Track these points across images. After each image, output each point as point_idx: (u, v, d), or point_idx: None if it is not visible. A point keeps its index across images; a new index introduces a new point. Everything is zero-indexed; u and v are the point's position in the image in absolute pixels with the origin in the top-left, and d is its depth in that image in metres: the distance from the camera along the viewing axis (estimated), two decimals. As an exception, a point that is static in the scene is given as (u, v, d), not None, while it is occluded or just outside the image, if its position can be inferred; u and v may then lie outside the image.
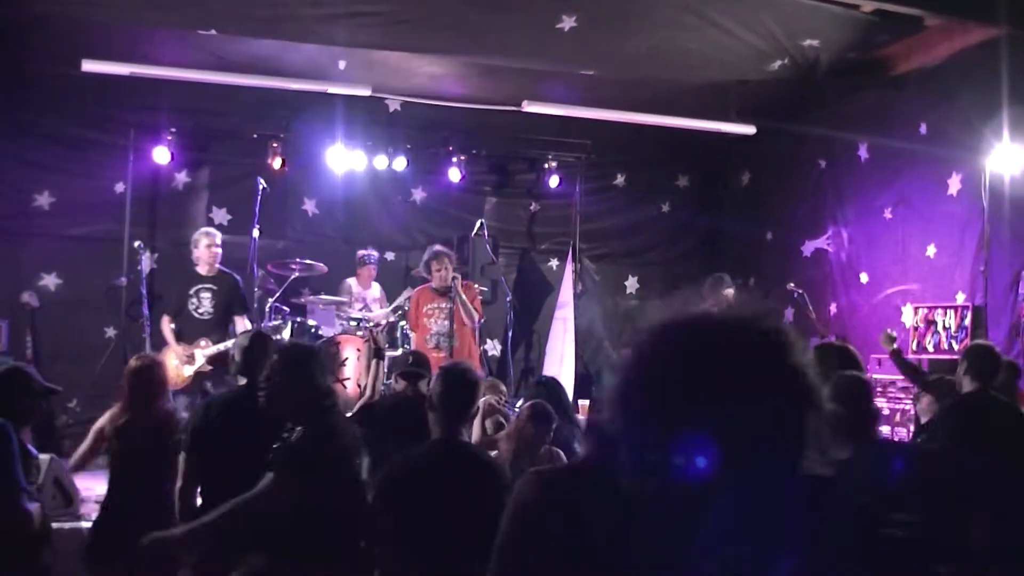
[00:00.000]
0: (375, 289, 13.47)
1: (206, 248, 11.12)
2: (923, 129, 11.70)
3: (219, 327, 11.02)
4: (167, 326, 11.04)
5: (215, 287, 11.08)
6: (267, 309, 12.18)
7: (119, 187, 13.22)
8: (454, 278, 11.39)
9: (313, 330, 12.51)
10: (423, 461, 5.01)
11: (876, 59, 12.03)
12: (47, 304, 12.79)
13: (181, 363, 10.78)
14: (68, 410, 12.31)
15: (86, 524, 8.26)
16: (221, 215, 13.76)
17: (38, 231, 12.96)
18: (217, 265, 11.17)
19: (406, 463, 5.04)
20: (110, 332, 12.65)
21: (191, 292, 10.99)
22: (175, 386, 10.36)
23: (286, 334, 12.23)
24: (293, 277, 12.46)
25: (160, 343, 11.08)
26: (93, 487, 9.39)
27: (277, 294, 12.33)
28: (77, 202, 13.07)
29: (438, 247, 11.72)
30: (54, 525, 6.88)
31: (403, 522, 4.82)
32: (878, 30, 11.20)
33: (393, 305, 12.39)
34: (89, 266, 12.97)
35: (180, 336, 10.93)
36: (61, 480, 8.83)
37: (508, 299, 14.16)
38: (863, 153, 12.84)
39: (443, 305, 11.47)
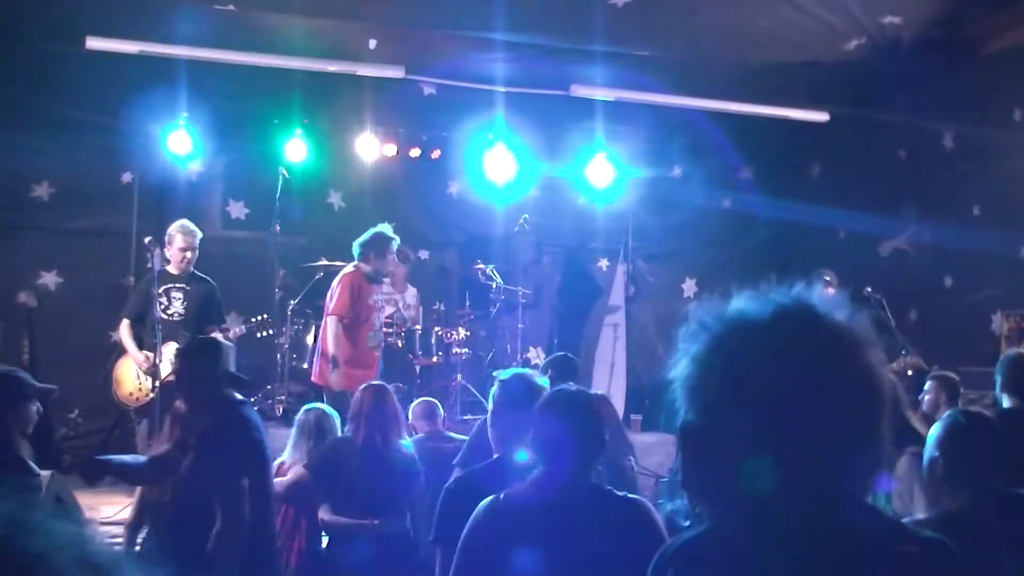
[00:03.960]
0: (410, 294, 13.26)
1: (180, 250, 10.49)
2: (1017, 115, 11.73)
3: (192, 329, 10.29)
4: (127, 332, 10.47)
5: (188, 287, 10.50)
6: (288, 312, 12.11)
7: (126, 177, 13.12)
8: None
9: (339, 336, 12.46)
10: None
11: (965, 37, 12.09)
12: (46, 304, 12.71)
13: (143, 373, 10.25)
14: (68, 421, 12.22)
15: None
16: (238, 208, 13.69)
17: (36, 224, 12.85)
18: (191, 269, 10.65)
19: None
20: (115, 336, 12.02)
21: (159, 291, 10.25)
22: (136, 402, 10.27)
23: (309, 340, 12.37)
24: (318, 277, 12.44)
25: (118, 351, 10.67)
26: (97, 506, 9.38)
27: (300, 296, 12.30)
28: (80, 193, 12.91)
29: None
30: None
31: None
32: (967, 4, 11.44)
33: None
34: (92, 263, 12.87)
35: (141, 344, 10.32)
36: (63, 498, 8.10)
37: (553, 303, 14.27)
38: (948, 142, 12.83)
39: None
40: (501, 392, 5.18)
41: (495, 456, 5.14)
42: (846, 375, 1.92)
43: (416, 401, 8.85)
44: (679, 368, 2.02)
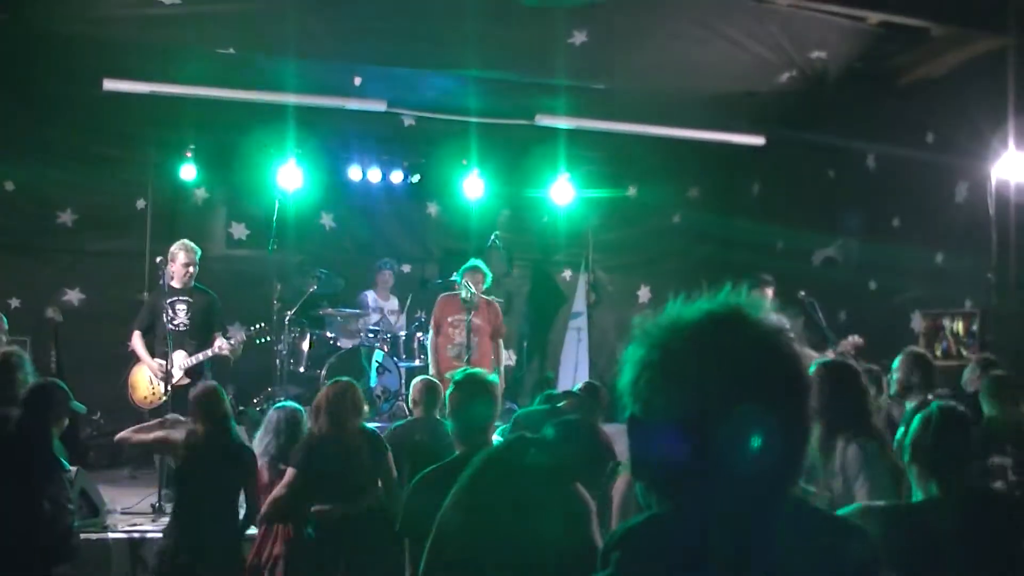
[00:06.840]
0: (393, 301, 13.73)
1: (182, 266, 10.75)
2: (930, 138, 11.87)
3: (197, 338, 10.69)
4: (139, 341, 10.73)
5: (191, 299, 10.73)
6: (285, 322, 12.40)
7: (140, 203, 13.50)
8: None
9: (331, 342, 12.85)
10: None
11: (883, 70, 12.21)
12: (70, 318, 13.07)
13: (157, 379, 10.51)
14: (92, 422, 12.35)
15: (112, 535, 8.69)
16: (239, 229, 14.10)
17: (62, 247, 13.24)
18: (193, 282, 10.86)
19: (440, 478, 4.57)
20: (130, 346, 12.09)
21: (165, 304, 10.49)
22: (150, 405, 10.47)
23: (305, 346, 12.70)
24: (312, 290, 12.79)
25: (133, 360, 10.86)
26: (116, 498, 9.83)
27: (296, 307, 12.60)
28: (99, 218, 13.36)
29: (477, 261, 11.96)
30: (81, 536, 7.47)
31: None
32: (885, 41, 11.54)
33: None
34: (111, 281, 13.21)
35: (153, 352, 10.62)
36: (88, 491, 8.84)
37: (523, 310, 14.57)
38: (871, 162, 13.02)
39: (463, 317, 11.63)
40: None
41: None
42: (768, 363, 2.00)
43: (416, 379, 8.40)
44: (624, 369, 2.08)
